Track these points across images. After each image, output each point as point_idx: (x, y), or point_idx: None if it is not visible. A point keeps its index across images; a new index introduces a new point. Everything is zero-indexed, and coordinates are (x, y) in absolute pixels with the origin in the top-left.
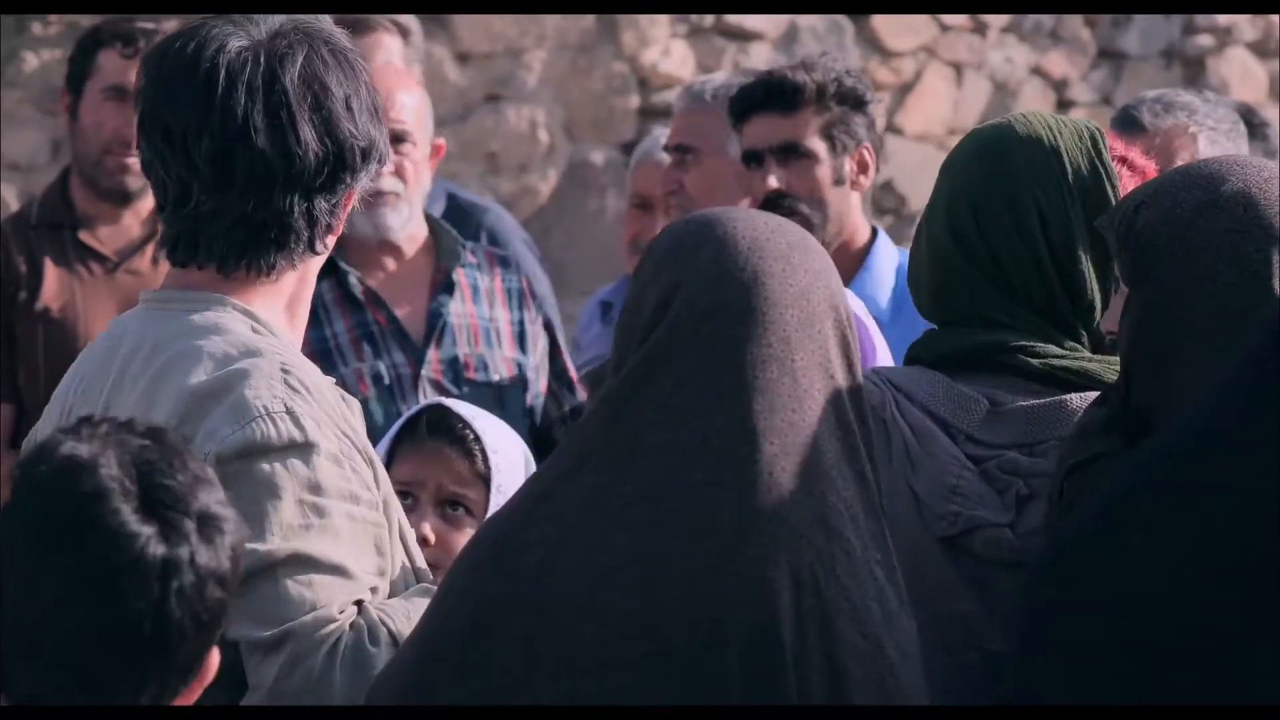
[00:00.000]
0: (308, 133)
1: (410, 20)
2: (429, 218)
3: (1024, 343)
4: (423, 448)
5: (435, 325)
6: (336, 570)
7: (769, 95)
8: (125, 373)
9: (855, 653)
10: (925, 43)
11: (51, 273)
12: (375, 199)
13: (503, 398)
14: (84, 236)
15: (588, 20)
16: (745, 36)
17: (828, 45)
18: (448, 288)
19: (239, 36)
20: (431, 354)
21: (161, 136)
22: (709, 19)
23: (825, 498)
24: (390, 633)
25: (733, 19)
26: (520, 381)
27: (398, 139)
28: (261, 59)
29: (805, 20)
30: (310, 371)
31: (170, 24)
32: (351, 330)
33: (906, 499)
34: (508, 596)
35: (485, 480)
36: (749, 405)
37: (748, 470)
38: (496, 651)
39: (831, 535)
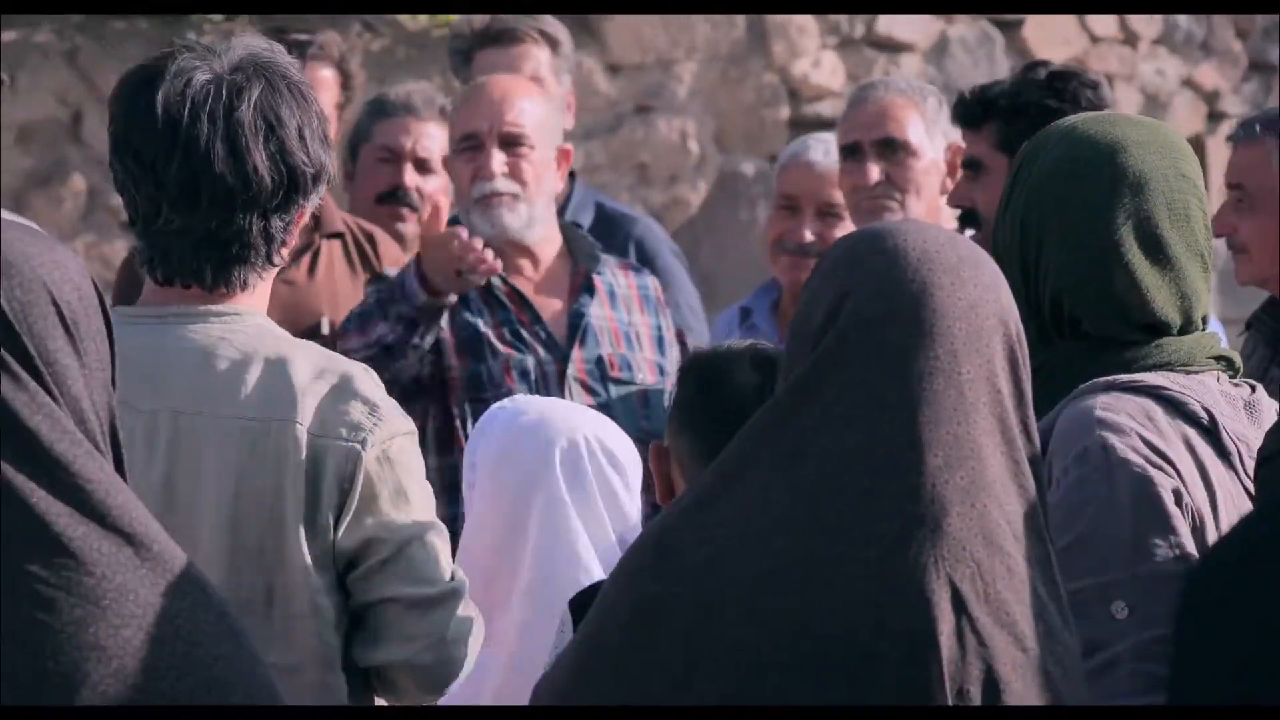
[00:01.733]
0: (262, 159)
1: (560, 31)
2: (562, 224)
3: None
4: None
5: (578, 326)
6: (446, 535)
7: None
8: (200, 385)
9: (1015, 667)
10: (1076, 54)
11: None
12: (490, 199)
13: (647, 399)
14: None
15: (738, 31)
16: (895, 48)
17: (978, 57)
18: (588, 289)
19: (204, 70)
20: (576, 354)
21: (134, 160)
22: (859, 30)
23: (988, 512)
24: None
25: (883, 30)
26: (661, 383)
27: (513, 141)
28: (222, 92)
29: (955, 31)
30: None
31: (328, 34)
32: (497, 327)
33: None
34: (669, 597)
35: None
36: (914, 416)
37: (911, 481)
38: (656, 651)
39: (993, 550)
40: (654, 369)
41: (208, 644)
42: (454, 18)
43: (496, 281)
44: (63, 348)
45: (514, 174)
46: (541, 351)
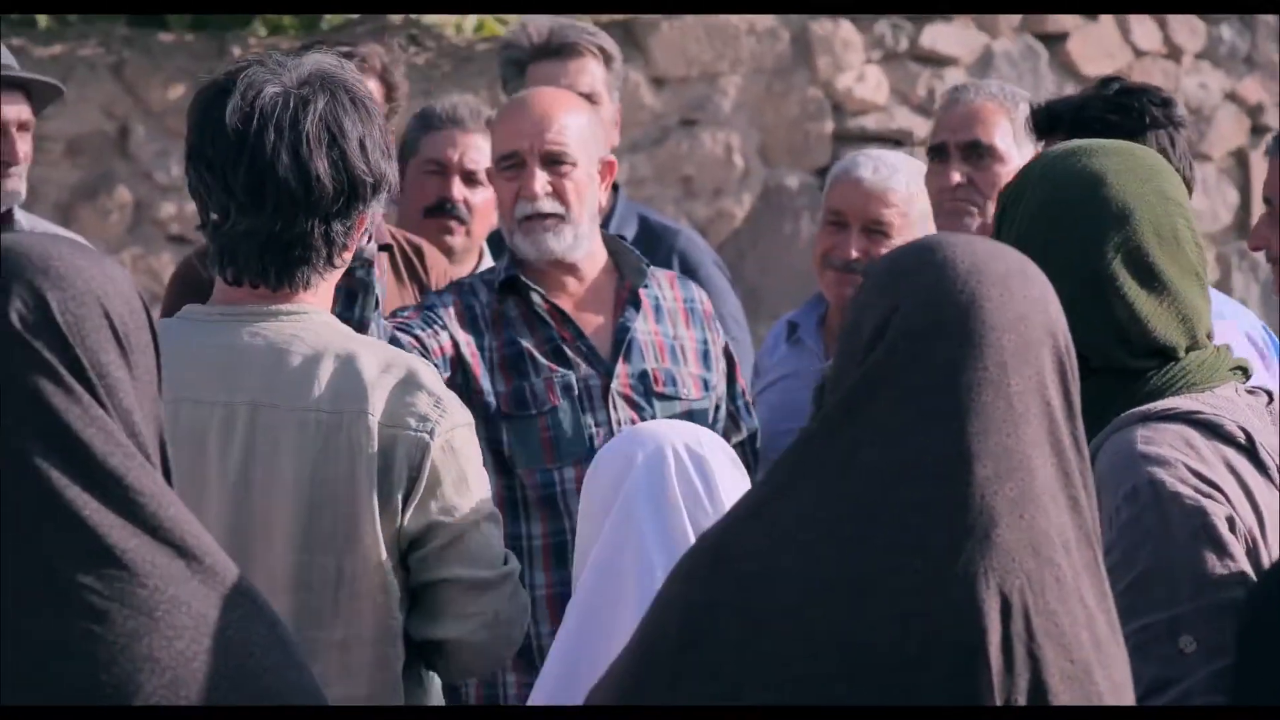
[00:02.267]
0: (324, 167)
1: (613, 46)
2: (608, 238)
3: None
4: None
5: (622, 340)
6: (500, 521)
7: None
8: (275, 379)
9: (1063, 678)
10: (1120, 68)
11: None
12: (534, 221)
13: (691, 413)
14: None
15: (782, 45)
16: (940, 62)
17: (1022, 71)
18: (634, 303)
19: (273, 83)
20: (620, 368)
21: (206, 167)
22: (904, 44)
23: (1036, 522)
24: None
25: (927, 43)
26: (707, 398)
27: (555, 160)
28: (290, 103)
29: (1000, 45)
30: None
31: (370, 46)
32: (541, 345)
33: None
34: (720, 606)
35: None
36: (963, 427)
37: (960, 492)
38: (707, 660)
39: (1042, 560)
40: (699, 384)
41: (259, 655)
42: (500, 30)
43: (537, 299)
44: (115, 360)
45: (557, 194)
46: (585, 367)
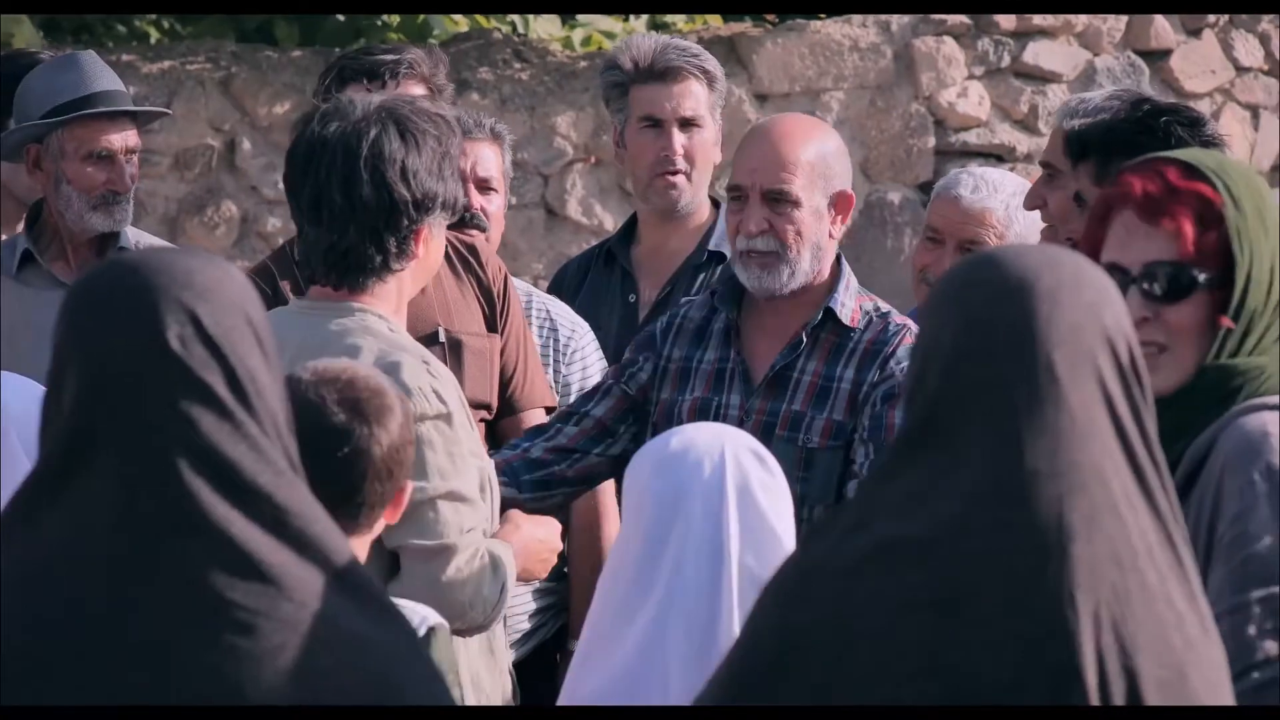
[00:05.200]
0: (367, 187)
1: (717, 67)
2: (842, 270)
3: None
4: None
5: (768, 375)
6: (470, 502)
7: None
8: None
9: (1158, 685)
10: (1221, 85)
11: None
12: (750, 256)
13: (811, 459)
14: None
15: (885, 61)
16: (1043, 78)
17: (1125, 86)
18: (797, 345)
19: (337, 121)
20: (758, 404)
21: (288, 188)
22: (1006, 59)
23: (1116, 533)
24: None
25: (1030, 59)
26: (834, 443)
27: (777, 198)
28: (346, 135)
29: (1102, 62)
30: (438, 364)
31: (415, 52)
32: (714, 364)
33: None
34: (813, 626)
35: None
36: (1031, 447)
37: (1036, 512)
38: (801, 681)
39: (1124, 570)
40: (829, 429)
41: (400, 669)
42: (608, 45)
43: (732, 320)
44: (260, 365)
45: (775, 231)
46: (733, 395)
